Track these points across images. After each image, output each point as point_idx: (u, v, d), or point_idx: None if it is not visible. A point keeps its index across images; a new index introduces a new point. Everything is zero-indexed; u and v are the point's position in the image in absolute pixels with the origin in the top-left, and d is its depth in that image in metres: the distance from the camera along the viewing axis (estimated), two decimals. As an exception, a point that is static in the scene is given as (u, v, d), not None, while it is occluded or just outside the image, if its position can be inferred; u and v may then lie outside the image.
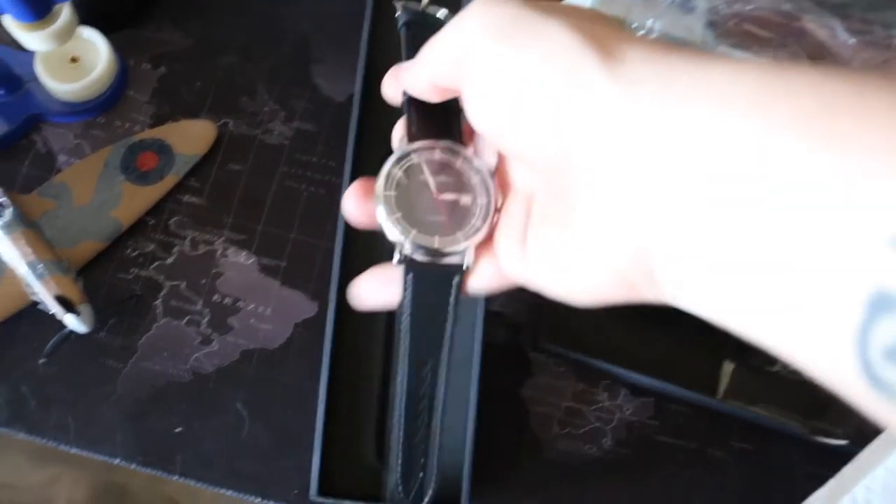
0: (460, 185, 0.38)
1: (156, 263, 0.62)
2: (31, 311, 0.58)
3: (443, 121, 0.39)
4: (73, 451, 0.58)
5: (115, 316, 0.60)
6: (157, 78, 0.67)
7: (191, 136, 0.64)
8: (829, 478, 0.48)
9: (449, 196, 0.38)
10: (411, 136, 0.39)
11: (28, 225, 0.58)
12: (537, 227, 0.32)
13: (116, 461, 0.57)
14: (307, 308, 0.61)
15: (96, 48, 0.64)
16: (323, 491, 0.53)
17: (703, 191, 0.24)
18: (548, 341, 0.59)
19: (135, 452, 0.57)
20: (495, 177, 0.38)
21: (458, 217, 0.38)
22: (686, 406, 0.60)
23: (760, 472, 0.58)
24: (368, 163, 0.56)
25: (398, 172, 0.39)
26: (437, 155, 0.39)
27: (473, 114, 0.32)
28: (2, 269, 0.58)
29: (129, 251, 0.62)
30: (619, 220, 0.27)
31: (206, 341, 0.60)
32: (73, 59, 0.65)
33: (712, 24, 0.61)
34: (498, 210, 0.37)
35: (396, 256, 0.38)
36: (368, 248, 0.57)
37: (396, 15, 0.42)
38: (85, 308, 0.56)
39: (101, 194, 0.61)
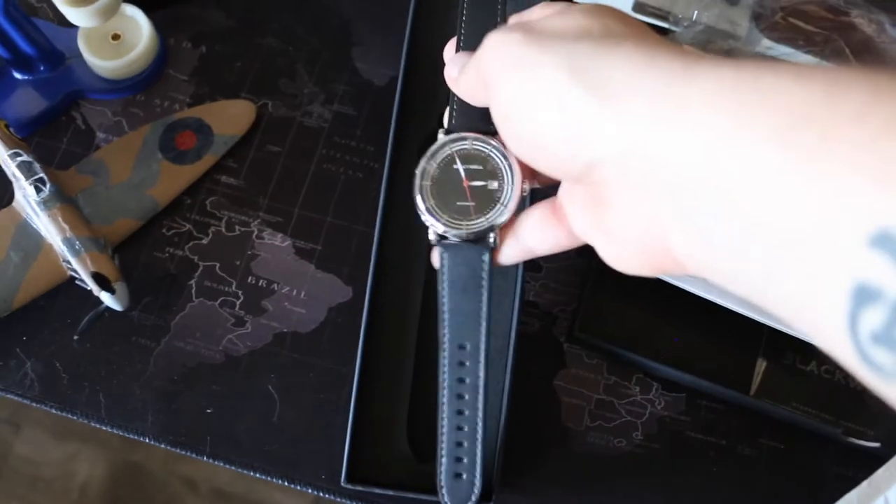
0: (488, 173, 0.43)
1: (191, 243, 0.62)
2: (67, 287, 0.58)
3: (483, 108, 0.42)
4: (104, 428, 0.58)
5: (149, 294, 0.60)
6: (198, 57, 0.67)
7: (230, 117, 0.64)
8: (859, 480, 0.48)
9: (477, 183, 0.43)
10: (448, 129, 0.44)
11: (66, 201, 0.58)
12: (589, 205, 0.36)
13: (146, 440, 0.57)
14: (342, 292, 0.61)
15: (138, 26, 0.64)
16: (353, 478, 0.53)
17: (695, 196, 0.27)
18: (582, 333, 0.59)
19: (165, 432, 0.57)
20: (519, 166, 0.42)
21: (484, 202, 0.43)
22: (718, 402, 0.59)
23: (790, 471, 0.58)
24: (409, 148, 0.56)
25: (433, 164, 0.44)
26: (469, 145, 0.43)
27: (502, 135, 0.37)
28: (40, 245, 0.58)
29: (164, 230, 0.62)
30: (639, 217, 0.32)
31: (240, 323, 0.60)
32: (115, 37, 0.65)
33: (757, 18, 0.61)
34: (523, 196, 0.42)
35: (431, 237, 0.44)
36: (406, 234, 0.57)
37: None
38: (120, 286, 0.56)
39: (138, 172, 0.61)
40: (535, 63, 0.33)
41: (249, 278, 0.61)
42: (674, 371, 0.58)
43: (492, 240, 0.43)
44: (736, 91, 0.26)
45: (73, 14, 0.57)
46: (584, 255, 0.62)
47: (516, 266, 0.56)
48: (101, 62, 0.63)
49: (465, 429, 0.49)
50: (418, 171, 0.44)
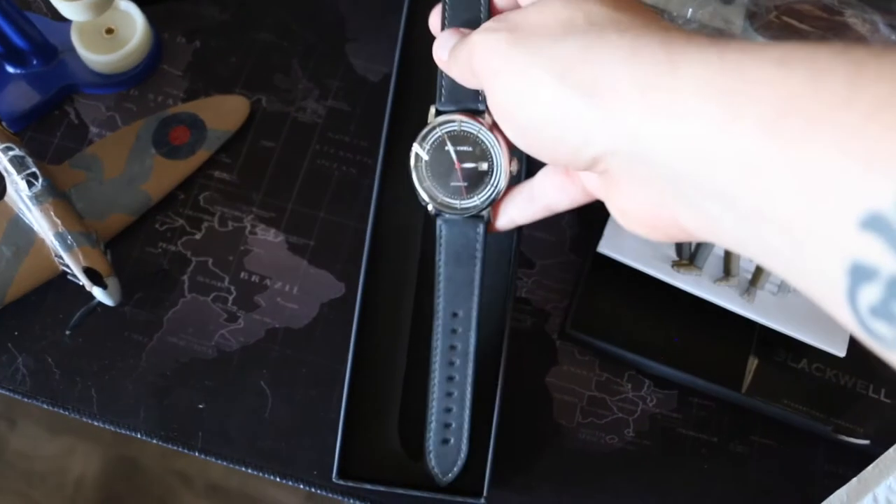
0: (478, 154, 0.46)
1: (184, 238, 0.62)
2: (60, 282, 0.58)
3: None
4: (96, 424, 0.58)
5: (141, 290, 0.60)
6: (192, 52, 0.67)
7: (224, 112, 0.64)
8: (849, 477, 0.48)
9: (468, 165, 0.47)
10: (437, 111, 0.46)
11: (58, 196, 0.58)
12: (601, 184, 0.38)
13: (138, 435, 0.57)
14: (334, 288, 0.61)
15: (132, 20, 0.64)
16: (344, 474, 0.53)
17: (694, 186, 0.28)
18: (574, 330, 0.59)
19: (157, 427, 0.57)
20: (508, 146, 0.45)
21: (476, 182, 0.47)
22: (709, 400, 0.59)
23: (781, 468, 0.58)
24: (402, 144, 0.56)
25: (425, 147, 0.47)
26: (459, 128, 0.46)
27: (503, 129, 0.38)
28: (31, 240, 0.58)
29: (157, 225, 0.62)
30: (647, 199, 0.33)
31: (232, 318, 0.60)
32: (109, 31, 0.64)
33: (752, 16, 0.61)
34: (512, 174, 0.46)
35: (431, 210, 0.48)
36: (399, 230, 0.57)
37: None
38: (112, 281, 0.56)
39: (131, 167, 0.61)
40: (524, 67, 0.34)
41: (242, 274, 0.61)
42: (666, 368, 0.58)
43: (485, 214, 0.47)
44: (721, 83, 0.27)
45: (66, 8, 0.57)
46: (577, 252, 0.62)
47: (508, 262, 0.56)
48: (95, 56, 0.63)
49: (455, 395, 0.51)
50: (412, 154, 0.47)
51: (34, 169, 0.57)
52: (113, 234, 0.60)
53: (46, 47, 0.64)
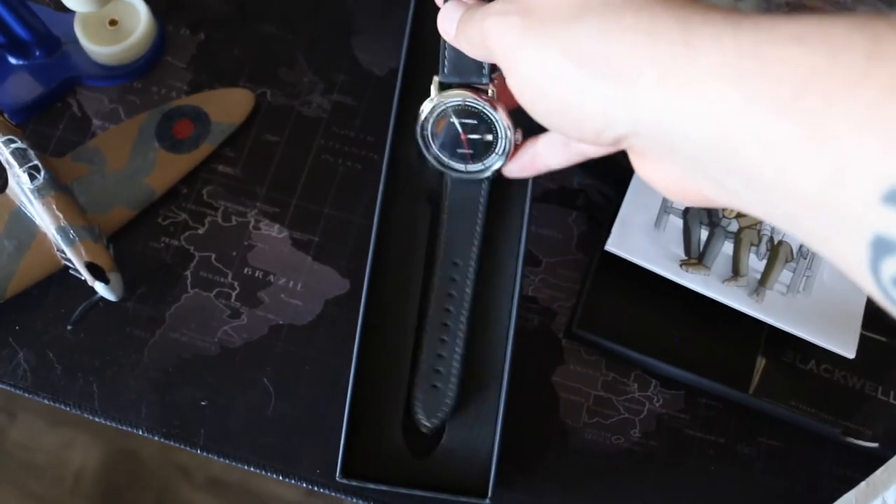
0: (483, 127, 0.48)
1: (187, 233, 0.61)
2: (61, 276, 0.58)
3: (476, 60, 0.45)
4: (97, 420, 0.57)
5: (144, 285, 0.60)
6: (196, 44, 0.66)
7: (228, 105, 0.63)
8: (857, 480, 0.48)
9: (474, 136, 0.48)
10: (440, 84, 0.48)
11: (60, 189, 0.57)
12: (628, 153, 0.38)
13: (139, 432, 0.57)
14: (339, 285, 0.60)
15: (136, 11, 0.64)
16: (348, 473, 0.53)
17: (716, 164, 0.29)
18: (580, 329, 0.58)
19: (158, 424, 0.57)
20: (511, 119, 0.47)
21: (481, 151, 0.49)
22: (717, 400, 0.59)
23: (788, 470, 0.58)
24: (409, 139, 0.55)
25: (431, 118, 0.49)
26: (463, 102, 0.47)
27: (524, 107, 0.38)
28: (33, 234, 0.57)
29: (160, 220, 0.61)
30: (673, 173, 0.35)
31: (235, 314, 0.59)
32: (112, 22, 0.64)
33: (764, 13, 0.60)
34: (517, 145, 0.48)
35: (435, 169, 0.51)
36: (405, 226, 0.56)
37: None
38: (115, 276, 0.56)
39: (135, 161, 0.61)
40: (541, 55, 0.34)
41: (246, 269, 0.60)
42: (673, 368, 0.57)
43: (490, 173, 0.50)
44: (738, 63, 0.27)
45: (69, -1, 0.57)
46: (585, 251, 0.61)
47: (515, 259, 0.55)
48: (98, 48, 0.62)
49: (447, 340, 0.53)
50: (419, 125, 0.49)
51: (36, 162, 0.56)
52: (115, 229, 0.59)
53: (49, 38, 0.63)
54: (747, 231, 0.57)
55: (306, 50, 0.66)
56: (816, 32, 0.25)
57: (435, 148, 0.50)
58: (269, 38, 0.66)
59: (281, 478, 0.56)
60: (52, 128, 0.63)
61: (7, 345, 0.58)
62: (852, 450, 0.57)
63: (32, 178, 0.56)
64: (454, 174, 0.52)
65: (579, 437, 0.58)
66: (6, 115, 0.59)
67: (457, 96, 0.47)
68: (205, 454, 0.57)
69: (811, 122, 0.24)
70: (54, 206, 0.56)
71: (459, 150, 0.50)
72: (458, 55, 0.45)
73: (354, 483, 0.53)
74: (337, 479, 0.52)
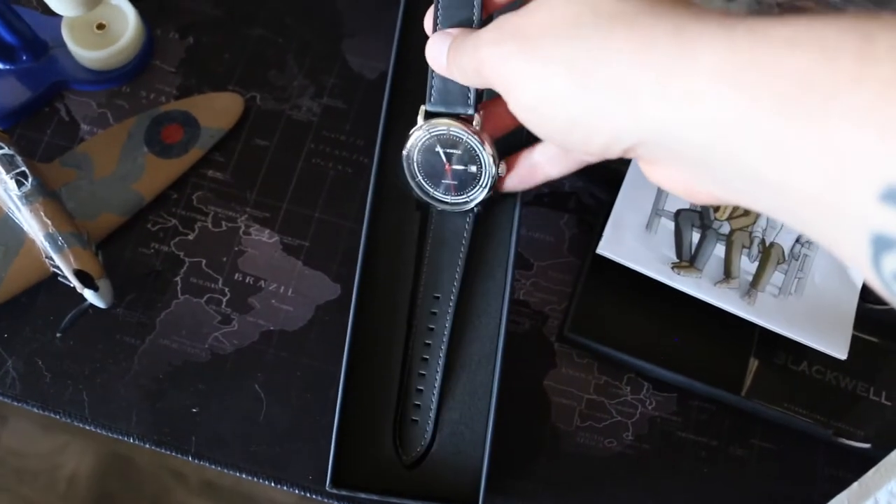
0: (467, 157, 0.48)
1: (177, 239, 0.61)
2: (50, 283, 0.57)
3: (462, 88, 0.46)
4: (88, 428, 0.57)
5: (133, 291, 0.59)
6: (185, 48, 0.66)
7: (217, 110, 0.63)
8: (849, 480, 0.48)
9: (458, 167, 0.49)
10: (427, 112, 0.48)
11: (48, 195, 0.57)
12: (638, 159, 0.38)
13: (130, 440, 0.56)
14: (329, 290, 0.60)
15: (124, 15, 0.63)
16: (338, 482, 0.52)
17: (721, 167, 0.30)
18: (572, 333, 0.58)
19: (149, 431, 0.57)
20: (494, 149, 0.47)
21: (465, 182, 0.50)
22: (709, 403, 0.59)
23: (781, 471, 0.57)
24: (399, 143, 0.55)
25: (417, 146, 0.49)
26: (448, 132, 0.47)
27: (530, 129, 0.38)
28: (21, 240, 0.57)
29: (150, 225, 0.61)
30: (680, 177, 0.36)
31: (226, 321, 0.59)
32: (100, 26, 0.63)
33: (755, 15, 0.60)
34: (501, 177, 0.48)
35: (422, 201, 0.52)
36: (395, 231, 0.56)
37: None
38: (104, 283, 0.55)
39: (123, 166, 0.60)
40: (541, 78, 0.35)
41: (236, 275, 0.60)
42: (665, 371, 0.57)
43: (473, 205, 0.51)
44: (735, 70, 0.27)
45: (56, 3, 0.56)
46: (576, 254, 0.61)
47: (506, 262, 0.55)
48: (86, 52, 0.62)
49: (426, 375, 0.53)
50: (404, 153, 0.50)
51: (24, 168, 0.56)
52: (104, 235, 0.59)
53: (36, 42, 0.63)
54: (739, 233, 0.57)
55: (296, 53, 0.66)
56: (809, 35, 0.25)
57: (420, 177, 0.50)
58: (258, 41, 0.66)
59: (273, 484, 0.56)
60: (40, 133, 0.63)
61: (-4, 353, 0.58)
62: (845, 450, 0.57)
63: (20, 184, 0.56)
64: (439, 206, 0.52)
65: (572, 441, 0.58)
66: (-7, 121, 0.58)
67: (442, 125, 0.47)
68: (196, 461, 0.56)
69: (809, 123, 0.25)
70: (42, 213, 0.55)
71: (444, 181, 0.50)
72: (445, 84, 0.46)
73: (344, 493, 0.52)
74: (327, 488, 0.52)
